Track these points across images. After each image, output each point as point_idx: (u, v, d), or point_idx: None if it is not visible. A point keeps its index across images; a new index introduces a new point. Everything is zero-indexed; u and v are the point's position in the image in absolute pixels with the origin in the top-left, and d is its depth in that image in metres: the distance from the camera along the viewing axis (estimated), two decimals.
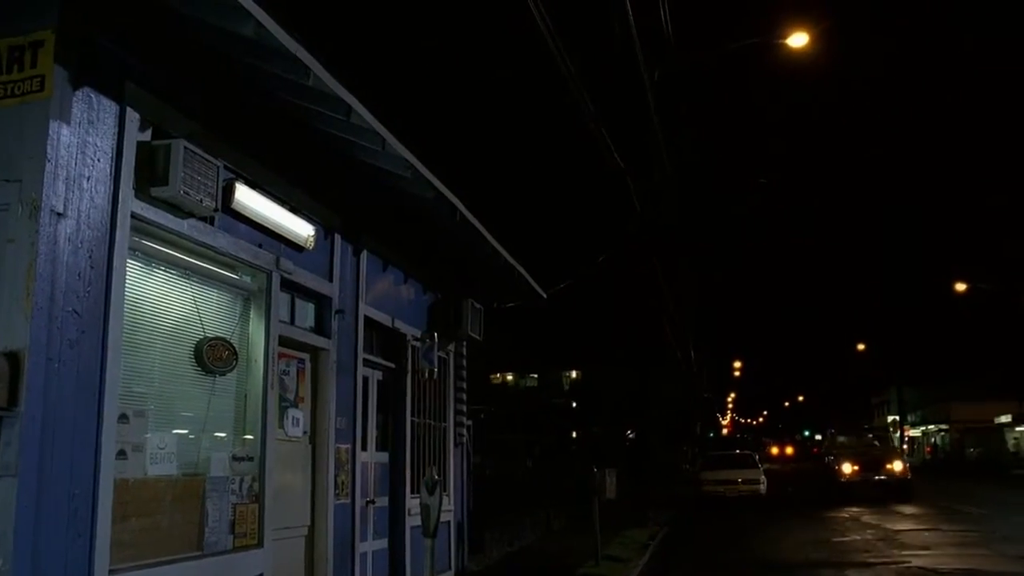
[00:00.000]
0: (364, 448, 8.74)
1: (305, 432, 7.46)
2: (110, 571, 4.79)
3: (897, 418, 57.89)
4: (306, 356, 7.57)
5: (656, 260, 19.87)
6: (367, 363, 8.74)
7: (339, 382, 7.87)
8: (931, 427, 61.78)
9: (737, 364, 65.29)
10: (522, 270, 10.90)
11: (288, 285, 7.17)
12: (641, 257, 19.99)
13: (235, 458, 6.24)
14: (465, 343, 11.41)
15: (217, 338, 6.19)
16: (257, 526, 6.42)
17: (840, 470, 23.30)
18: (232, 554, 6.07)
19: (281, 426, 7.07)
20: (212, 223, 6.02)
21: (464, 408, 11.39)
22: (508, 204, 21.68)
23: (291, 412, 7.22)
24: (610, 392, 41.36)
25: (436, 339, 9.64)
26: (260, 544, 6.40)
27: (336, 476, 7.76)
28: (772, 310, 59.05)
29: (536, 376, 59.90)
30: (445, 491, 10.80)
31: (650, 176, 18.48)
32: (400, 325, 9.39)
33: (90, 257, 4.83)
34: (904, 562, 11.90)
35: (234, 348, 6.34)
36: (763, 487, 24.16)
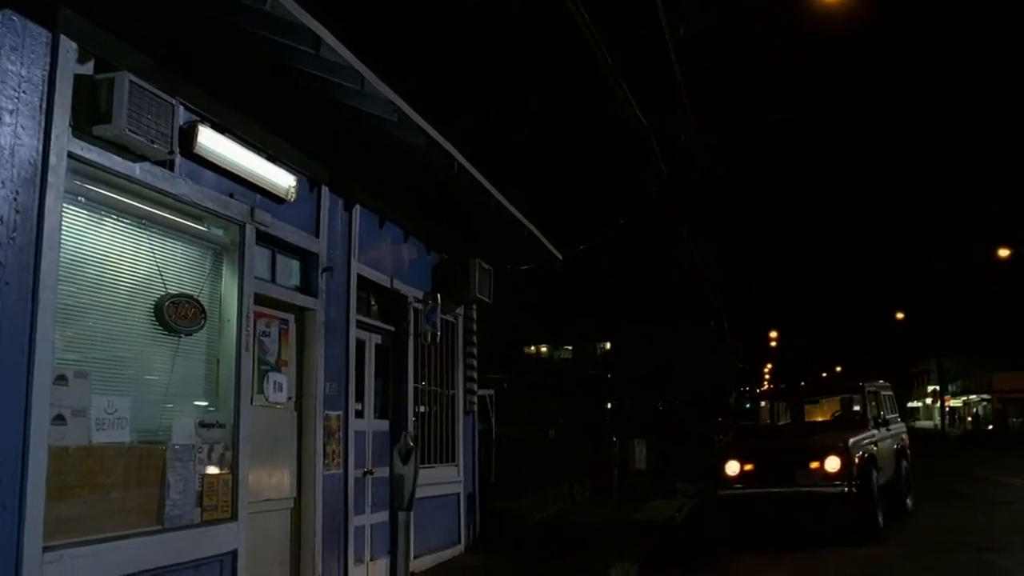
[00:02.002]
0: (360, 416, 8.25)
1: (290, 398, 6.97)
2: (44, 548, 4.32)
3: (937, 388, 56.52)
4: (290, 317, 7.06)
5: (683, 223, 19.14)
6: (362, 325, 8.22)
7: (328, 345, 7.36)
8: (972, 397, 60.42)
9: (773, 334, 64.09)
10: (533, 228, 10.30)
11: (266, 239, 6.65)
12: (668, 220, 19.26)
13: (203, 425, 5.75)
14: (475, 307, 10.85)
15: (182, 295, 5.69)
16: (231, 498, 5.94)
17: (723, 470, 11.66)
18: (200, 528, 5.59)
19: (261, 391, 6.58)
20: (171, 168, 5.50)
21: (475, 375, 10.86)
22: (528, 167, 21.02)
23: (272, 376, 6.72)
24: (640, 362, 40.70)
25: (439, 301, 9.10)
26: (234, 517, 5.93)
27: (326, 445, 7.27)
28: (809, 278, 57.78)
29: (571, 348, 59.36)
30: (454, 461, 10.33)
31: (676, 136, 17.73)
32: (400, 286, 8.85)
33: (15, 200, 4.32)
34: None
35: (202, 306, 5.84)
36: None
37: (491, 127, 20.76)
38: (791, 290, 59.72)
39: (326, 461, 7.27)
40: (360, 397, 8.30)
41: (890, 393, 11.64)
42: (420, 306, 9.12)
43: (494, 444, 16.13)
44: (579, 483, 16.83)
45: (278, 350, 6.85)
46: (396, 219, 8.79)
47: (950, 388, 61.14)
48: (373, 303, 8.59)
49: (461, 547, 10.21)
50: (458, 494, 10.28)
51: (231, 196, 6.12)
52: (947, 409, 61.65)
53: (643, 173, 19.02)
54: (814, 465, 9.91)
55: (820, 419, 11.34)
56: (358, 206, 8.00)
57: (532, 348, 57.15)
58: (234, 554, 5.87)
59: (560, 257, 11.92)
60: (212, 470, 5.77)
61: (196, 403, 5.81)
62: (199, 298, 5.84)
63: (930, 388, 63.14)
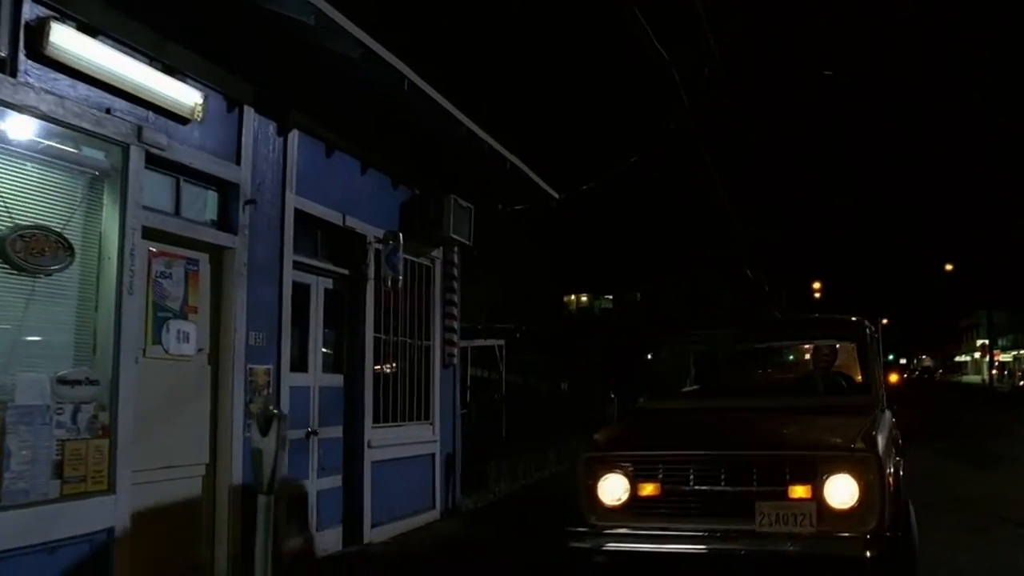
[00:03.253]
0: (302, 369, 7.34)
1: (200, 350, 6.06)
2: None
3: (987, 342, 54.51)
4: (202, 256, 6.12)
5: (710, 160, 17.85)
6: (303, 267, 7.27)
7: (252, 289, 6.43)
8: (1023, 352, 58.30)
9: (816, 285, 62.26)
10: (517, 162, 9.24)
11: (165, 165, 5.70)
12: (694, 157, 17.99)
13: (64, 382, 4.84)
14: (456, 249, 9.84)
15: (36, 228, 4.76)
16: (107, 467, 5.07)
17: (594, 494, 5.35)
18: (56, 504, 4.72)
19: (158, 342, 5.67)
20: (12, 74, 4.54)
21: (455, 324, 9.89)
22: (543, 108, 19.79)
23: (175, 325, 5.81)
24: (674, 312, 39.54)
25: (401, 240, 8.10)
26: (111, 489, 5.06)
27: (249, 403, 6.36)
28: (854, 227, 55.72)
29: (611, 297, 58.26)
30: (428, 419, 9.43)
31: (698, 70, 16.36)
32: (355, 223, 7.86)
33: None
34: None
35: (67, 242, 4.92)
36: None
37: (506, 66, 19.54)
38: (836, 240, 57.82)
39: (249, 421, 6.35)
40: (302, 349, 7.39)
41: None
42: (381, 247, 8.13)
43: (504, 397, 15.28)
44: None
45: (184, 295, 5.92)
46: (349, 149, 7.78)
47: (1000, 342, 59.04)
48: (320, 243, 7.62)
49: (436, 512, 9.35)
50: (433, 455, 9.39)
51: (108, 112, 5.15)
52: (996, 364, 59.61)
53: (666, 111, 17.74)
54: (797, 492, 4.75)
55: (787, 387, 6.62)
56: (296, 131, 7.00)
57: (572, 297, 56.14)
58: (110, 532, 5.01)
59: (556, 196, 10.84)
60: (79, 435, 4.89)
61: (56, 356, 4.90)
62: (64, 232, 4.91)
63: (979, 342, 61.04)
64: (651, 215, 35.09)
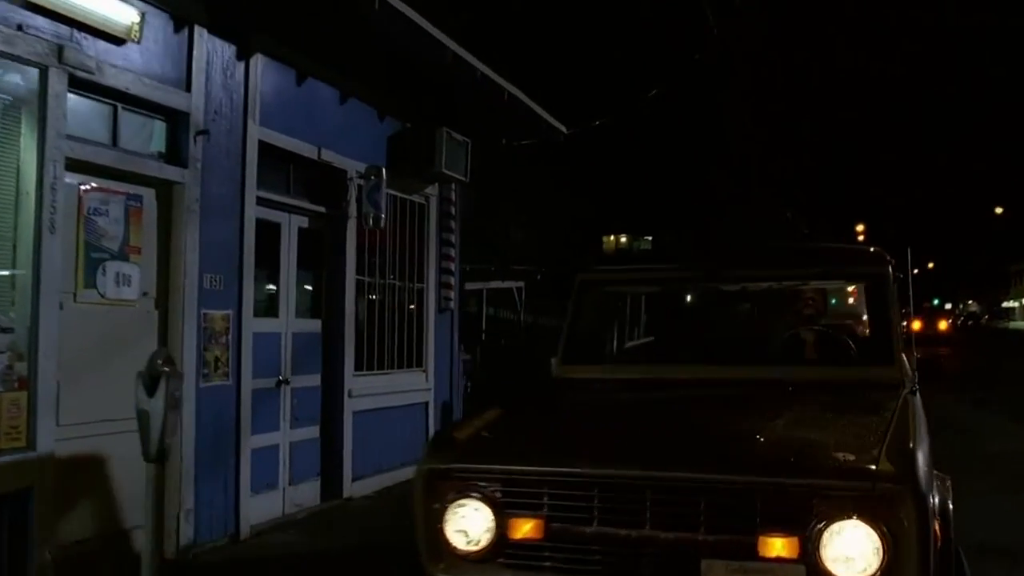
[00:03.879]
0: (271, 314, 6.86)
1: (145, 294, 5.57)
2: None
3: None
4: (147, 192, 5.59)
5: (740, 93, 16.94)
6: (272, 204, 6.73)
7: (207, 228, 5.91)
8: None
9: (860, 227, 60.63)
10: (517, 93, 8.56)
11: (98, 91, 5.16)
12: (723, 90, 17.12)
13: None
14: (454, 187, 9.23)
15: None
16: (25, 422, 4.63)
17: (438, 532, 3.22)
18: None
19: (92, 285, 5.19)
20: None
21: (453, 266, 9.32)
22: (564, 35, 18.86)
23: (113, 266, 5.32)
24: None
25: (384, 176, 7.50)
26: (29, 447, 4.63)
27: (204, 351, 5.90)
28: (900, 167, 53.83)
29: (650, 238, 57.34)
30: (421, 366, 8.93)
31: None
32: (332, 157, 7.28)
33: None
34: None
35: None
36: None
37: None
38: (881, 180, 56.06)
39: (205, 371, 5.91)
40: (272, 292, 6.89)
41: None
42: (363, 183, 7.55)
43: (511, 341, 14.79)
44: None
45: (124, 234, 5.41)
46: (325, 77, 7.16)
47: None
48: (293, 178, 7.06)
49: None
50: (426, 404, 8.90)
51: (20, 29, 4.59)
52: None
53: (697, 39, 16.82)
54: (774, 547, 2.77)
55: (770, 351, 4.62)
56: (260, 56, 6.40)
57: (611, 238, 55.27)
58: (27, 492, 4.59)
59: (564, 130, 10.14)
60: None
61: None
62: None
63: None
64: (690, 155, 34.04)
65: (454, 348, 9.59)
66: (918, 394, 4.00)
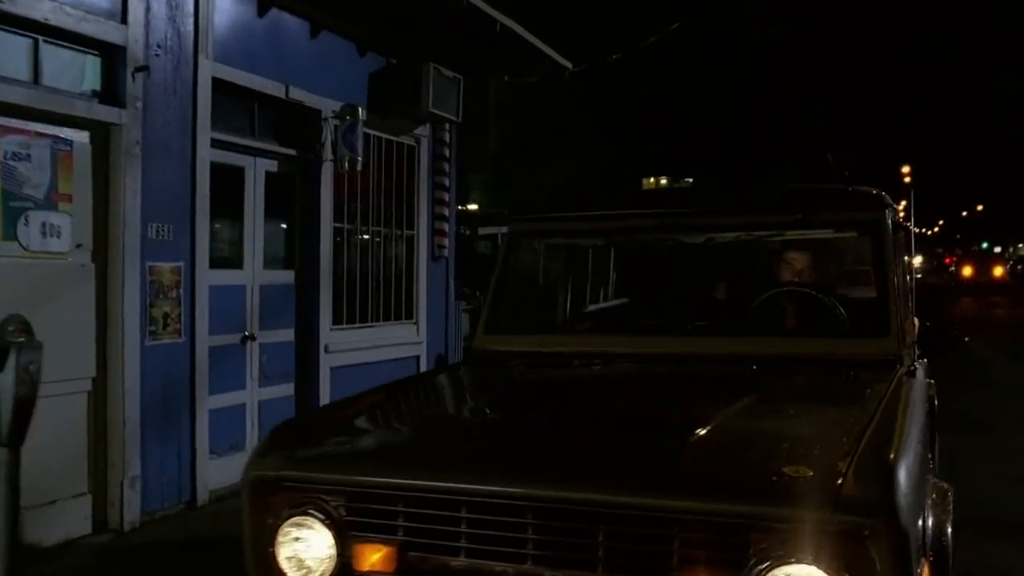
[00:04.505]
0: (238, 265, 6.41)
1: (79, 245, 5.13)
2: None
3: None
4: (78, 135, 5.11)
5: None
6: (231, 147, 6.24)
7: (151, 173, 5.43)
8: None
9: (905, 169, 58.62)
10: (507, 22, 7.90)
11: (13, 22, 4.66)
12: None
13: None
14: (449, 127, 8.65)
15: None
16: None
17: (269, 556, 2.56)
18: None
19: (12, 237, 4.75)
20: None
21: (447, 212, 8.78)
22: None
23: (38, 216, 4.87)
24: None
25: (360, 116, 6.95)
26: None
27: (150, 307, 5.46)
28: (946, 105, 51.71)
29: (691, 180, 56.23)
30: (412, 318, 8.47)
31: None
32: (303, 96, 6.74)
33: None
34: None
35: None
36: None
37: None
38: (927, 120, 54.08)
39: (152, 328, 5.49)
40: (236, 242, 6.43)
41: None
42: (339, 123, 7.01)
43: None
44: None
45: (51, 180, 4.95)
46: (292, 7, 6.59)
47: None
48: (258, 118, 6.54)
49: None
50: (417, 357, 8.45)
51: None
52: None
53: None
54: None
55: (738, 318, 3.75)
56: None
57: (651, 180, 54.20)
58: None
59: (569, 66, 9.46)
60: None
61: None
62: None
63: None
64: (729, 93, 32.87)
65: (450, 298, 9.09)
66: (920, 373, 3.36)
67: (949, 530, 2.48)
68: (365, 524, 2.38)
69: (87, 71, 5.19)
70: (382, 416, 2.94)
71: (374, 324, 7.83)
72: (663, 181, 56.63)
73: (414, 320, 8.45)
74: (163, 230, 5.53)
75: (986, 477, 6.72)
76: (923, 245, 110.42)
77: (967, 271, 42.55)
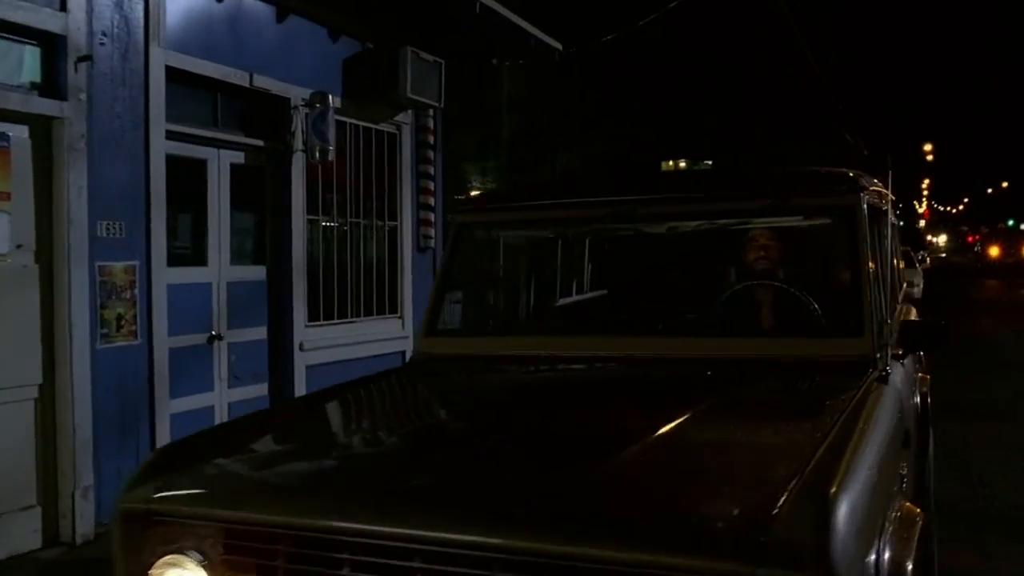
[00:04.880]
0: (202, 262, 6.15)
1: (20, 246, 4.87)
2: None
3: None
4: (16, 129, 4.85)
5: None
6: (191, 139, 5.97)
7: (98, 169, 5.17)
8: None
9: (927, 147, 57.67)
10: (488, 1, 7.57)
11: None
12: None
13: None
14: (433, 113, 8.34)
15: None
16: None
17: None
18: None
19: None
20: None
21: (433, 201, 8.49)
22: None
23: None
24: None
25: (331, 103, 6.66)
26: None
27: (102, 308, 5.21)
28: (973, 79, 50.71)
29: (710, 163, 55.68)
30: (396, 312, 8.19)
31: None
32: (270, 84, 6.46)
33: None
34: None
35: None
36: (917, 290, 20.30)
37: None
38: (951, 94, 53.11)
39: (104, 331, 5.24)
40: (199, 237, 6.17)
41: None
42: (309, 111, 6.72)
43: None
44: None
45: None
46: None
47: None
48: (221, 108, 6.26)
49: None
50: (403, 352, 8.17)
51: None
52: None
53: None
54: None
55: (699, 315, 3.49)
56: None
57: (670, 163, 53.78)
58: None
59: (559, 47, 9.13)
60: None
61: None
62: None
63: None
64: (748, 74, 32.27)
65: None
66: (897, 375, 3.01)
67: (909, 566, 2.15)
68: (243, 564, 2.09)
69: (25, 62, 4.93)
70: (277, 439, 2.63)
71: (355, 319, 7.57)
72: (682, 164, 56.01)
73: (399, 314, 8.18)
74: (114, 228, 5.28)
75: (1001, 467, 6.42)
76: (947, 223, 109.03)
77: (994, 251, 41.17)
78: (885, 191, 4.16)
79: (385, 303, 7.98)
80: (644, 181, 3.87)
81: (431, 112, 8.31)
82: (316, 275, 7.07)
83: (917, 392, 3.96)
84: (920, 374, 4.17)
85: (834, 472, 1.91)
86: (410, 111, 8.10)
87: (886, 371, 2.80)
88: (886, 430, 2.51)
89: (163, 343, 5.62)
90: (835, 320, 3.09)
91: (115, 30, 5.26)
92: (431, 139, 8.42)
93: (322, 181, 7.08)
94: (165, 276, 5.63)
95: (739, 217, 3.36)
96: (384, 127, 7.88)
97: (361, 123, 7.54)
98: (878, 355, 2.87)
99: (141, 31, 5.43)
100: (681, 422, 2.36)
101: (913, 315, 4.80)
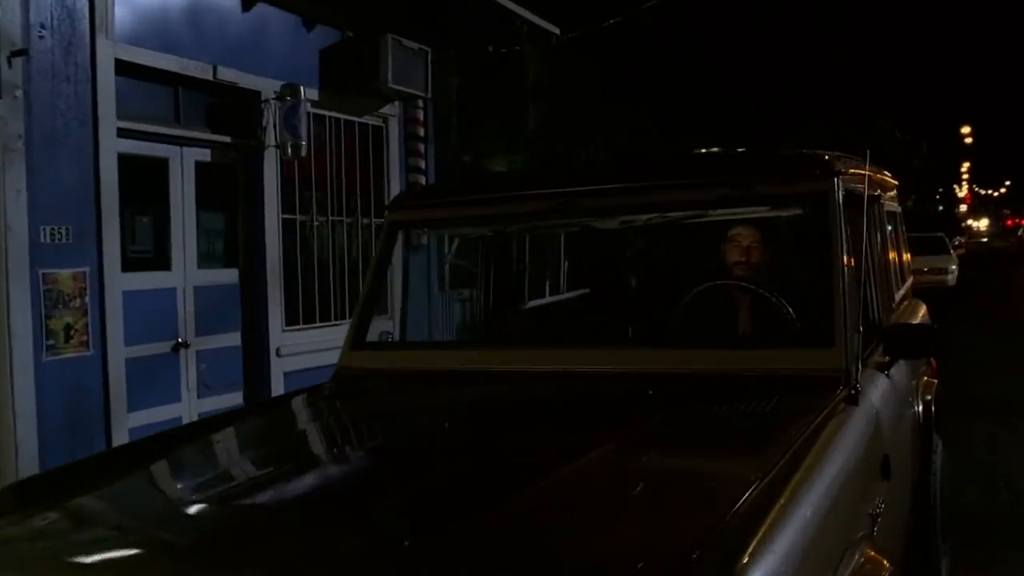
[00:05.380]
0: (165, 266, 5.84)
1: None
2: None
3: None
4: None
5: None
6: (144, 136, 5.65)
7: (40, 170, 4.86)
8: None
9: (965, 129, 56.20)
10: None
11: None
12: None
13: None
14: (423, 104, 7.96)
15: None
16: None
17: None
18: None
19: None
20: None
21: None
22: None
23: None
24: None
25: (302, 96, 6.31)
26: None
27: (46, 318, 4.91)
28: (1009, 56, 49.27)
29: (742, 150, 55.05)
30: (386, 312, 7.81)
31: None
32: (236, 77, 6.12)
33: None
34: None
35: None
36: (951, 277, 19.62)
37: None
38: (992, 74, 51.73)
39: (51, 342, 4.93)
40: (161, 240, 5.86)
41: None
42: (280, 105, 6.37)
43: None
44: None
45: None
46: None
47: None
48: (183, 103, 5.94)
49: None
50: None
51: None
52: None
53: None
54: None
55: (653, 322, 3.15)
56: None
57: (702, 151, 53.11)
58: None
59: (556, 31, 8.70)
60: None
61: None
62: None
63: None
64: (778, 57, 31.51)
65: (433, 289, 8.43)
66: (876, 393, 2.58)
67: None
68: None
69: None
70: (120, 487, 2.19)
71: (339, 322, 7.20)
72: (714, 151, 55.13)
73: (388, 315, 7.79)
74: (59, 233, 4.97)
75: None
76: (988, 206, 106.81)
77: None
78: (884, 175, 3.73)
79: (374, 303, 7.59)
80: (590, 170, 3.46)
81: (420, 103, 7.94)
82: (294, 276, 6.74)
83: (917, 402, 3.50)
84: (925, 379, 3.69)
85: (753, 532, 1.51)
86: (397, 103, 7.74)
87: (855, 389, 2.37)
88: (849, 464, 2.10)
89: (119, 353, 5.30)
90: (803, 328, 2.66)
91: (55, 22, 4.94)
92: (421, 131, 8.05)
93: (299, 177, 6.74)
94: (120, 282, 5.32)
95: (694, 208, 2.90)
96: (368, 120, 7.53)
97: (342, 116, 7.19)
98: (849, 369, 2.44)
99: (86, 22, 5.11)
100: (591, 461, 1.96)
101: (921, 314, 4.32)
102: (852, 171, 2.99)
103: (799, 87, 30.18)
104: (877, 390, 2.60)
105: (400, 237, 3.52)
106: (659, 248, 3.50)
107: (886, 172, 4.04)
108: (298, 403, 3.04)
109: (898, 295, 3.60)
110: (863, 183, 3.18)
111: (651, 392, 2.49)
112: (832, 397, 2.33)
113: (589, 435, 2.15)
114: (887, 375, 2.80)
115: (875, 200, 3.26)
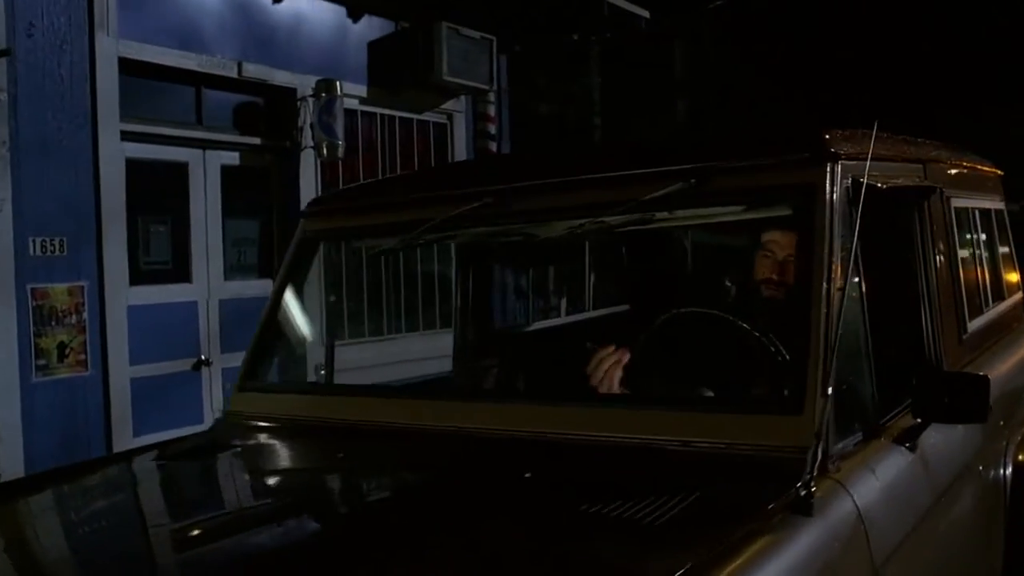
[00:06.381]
0: (185, 278, 5.47)
1: None
2: None
3: None
4: None
5: None
6: (157, 139, 5.29)
7: (31, 178, 4.57)
8: None
9: None
10: None
11: None
12: None
13: None
14: (493, 98, 7.33)
15: None
16: None
17: None
18: None
19: None
20: None
21: None
22: None
23: None
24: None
25: (339, 92, 5.82)
26: None
27: (36, 336, 4.59)
28: None
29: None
30: (451, 327, 7.23)
31: None
32: (266, 73, 5.70)
33: None
34: None
35: None
36: None
37: None
38: None
39: (42, 361, 4.62)
40: (180, 250, 5.48)
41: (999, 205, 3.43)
42: (315, 102, 5.90)
43: None
44: None
45: None
46: None
47: None
48: (205, 103, 5.55)
49: None
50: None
51: None
52: None
53: None
54: None
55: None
56: None
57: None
58: None
59: (645, 15, 7.89)
60: None
61: None
62: None
63: None
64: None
65: (508, 301, 7.79)
66: (870, 490, 1.72)
67: None
68: None
69: None
70: None
71: (394, 336, 6.69)
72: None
73: (451, 328, 7.21)
74: (52, 244, 4.64)
75: None
76: None
77: None
78: (945, 154, 2.81)
79: (436, 317, 7.05)
80: (524, 164, 2.68)
81: (491, 97, 7.31)
82: (339, 288, 6.24)
83: (999, 474, 2.56)
84: (1005, 441, 2.71)
85: None
86: (463, 97, 7.14)
87: (812, 487, 1.55)
88: None
89: (123, 372, 4.94)
90: (766, 383, 1.85)
91: (46, 19, 4.61)
92: (491, 128, 7.42)
93: (344, 181, 6.24)
94: (126, 296, 4.97)
95: (647, 210, 2.10)
96: (429, 117, 6.97)
97: (396, 113, 6.67)
98: (817, 451, 1.62)
99: (83, 18, 4.77)
100: None
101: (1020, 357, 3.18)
102: (885, 152, 2.14)
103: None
104: (876, 479, 1.76)
105: (320, 249, 2.82)
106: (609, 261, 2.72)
107: (969, 157, 3.08)
108: (141, 461, 2.44)
109: (974, 325, 2.65)
110: (910, 172, 2.32)
111: (527, 476, 1.76)
112: (790, 494, 1.53)
113: (428, 549, 1.46)
114: (908, 447, 1.93)
115: (931, 194, 2.37)
